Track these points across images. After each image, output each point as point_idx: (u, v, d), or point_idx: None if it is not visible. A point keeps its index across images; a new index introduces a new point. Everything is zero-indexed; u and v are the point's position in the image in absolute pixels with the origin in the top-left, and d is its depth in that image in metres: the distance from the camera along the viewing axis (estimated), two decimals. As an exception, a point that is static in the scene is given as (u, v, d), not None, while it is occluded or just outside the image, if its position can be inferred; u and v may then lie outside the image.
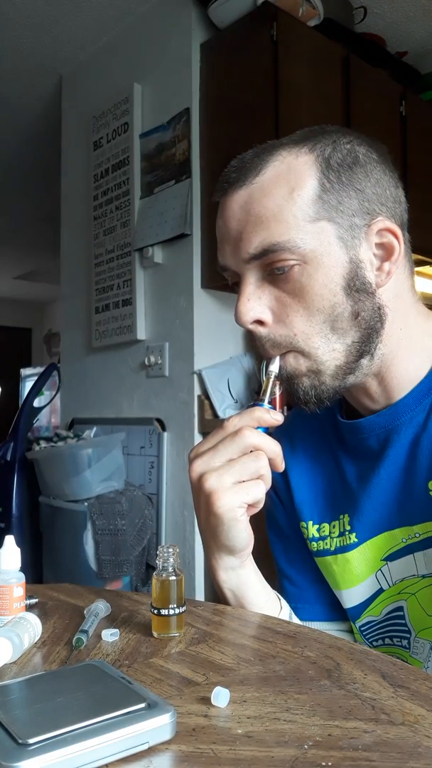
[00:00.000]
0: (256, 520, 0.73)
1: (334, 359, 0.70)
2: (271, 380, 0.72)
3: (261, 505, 0.70)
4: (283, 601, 0.81)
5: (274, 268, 0.69)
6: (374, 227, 0.70)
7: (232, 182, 0.71)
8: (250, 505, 0.69)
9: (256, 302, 0.70)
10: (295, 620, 0.81)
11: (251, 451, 0.68)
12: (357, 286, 0.69)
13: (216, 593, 0.76)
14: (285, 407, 2.32)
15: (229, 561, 0.73)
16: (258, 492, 0.68)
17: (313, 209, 0.68)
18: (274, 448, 0.69)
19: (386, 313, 0.72)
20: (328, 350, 0.70)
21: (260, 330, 0.71)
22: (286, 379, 0.72)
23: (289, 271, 0.68)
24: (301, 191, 0.68)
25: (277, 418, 0.71)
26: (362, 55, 2.64)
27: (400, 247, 0.71)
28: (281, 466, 0.71)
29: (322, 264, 0.68)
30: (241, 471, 0.67)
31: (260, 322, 0.71)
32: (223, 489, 0.67)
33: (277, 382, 0.73)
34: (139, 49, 2.73)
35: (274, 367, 0.72)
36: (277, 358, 0.72)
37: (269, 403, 0.72)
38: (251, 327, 0.71)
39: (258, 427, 0.70)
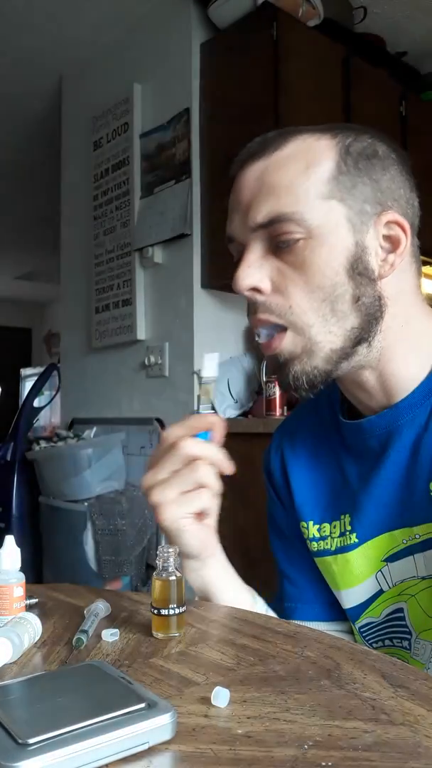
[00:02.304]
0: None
1: (330, 342, 0.70)
2: (207, 386, 0.72)
3: (212, 512, 0.71)
4: (259, 598, 0.81)
5: (279, 241, 0.69)
6: (383, 218, 0.70)
7: (251, 155, 0.72)
8: (199, 513, 0.70)
9: (257, 270, 0.70)
10: (272, 614, 0.81)
11: (193, 461, 0.68)
12: (360, 270, 0.69)
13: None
14: (285, 407, 2.32)
15: (190, 564, 0.75)
16: (201, 501, 0.69)
17: (326, 187, 0.68)
18: (212, 454, 0.69)
19: (386, 304, 0.71)
20: (323, 331, 0.69)
21: (256, 297, 0.71)
22: (280, 365, 0.71)
23: (293, 244, 0.68)
24: (317, 168, 0.69)
25: (210, 420, 0.70)
26: (362, 55, 2.64)
27: (406, 241, 0.71)
28: (227, 469, 0.71)
29: (327, 241, 0.68)
30: (181, 483, 0.68)
31: (258, 291, 0.71)
32: (167, 502, 0.68)
33: (210, 388, 0.72)
34: (139, 49, 2.73)
35: (206, 372, 0.72)
36: (211, 365, 0.72)
37: (206, 407, 0.72)
38: (248, 294, 0.71)
39: (199, 434, 0.70)
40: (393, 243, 0.71)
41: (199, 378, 0.71)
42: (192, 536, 0.71)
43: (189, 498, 0.68)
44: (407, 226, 0.71)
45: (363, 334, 0.71)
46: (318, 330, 0.69)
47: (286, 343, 0.70)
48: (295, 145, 0.70)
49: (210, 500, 0.70)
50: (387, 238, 0.71)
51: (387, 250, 0.71)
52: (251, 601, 0.79)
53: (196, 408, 0.72)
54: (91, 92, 3.01)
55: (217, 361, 0.73)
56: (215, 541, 0.75)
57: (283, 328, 0.70)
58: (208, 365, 0.72)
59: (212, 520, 0.74)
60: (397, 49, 2.92)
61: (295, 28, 2.33)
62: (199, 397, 0.72)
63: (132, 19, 2.73)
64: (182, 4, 2.52)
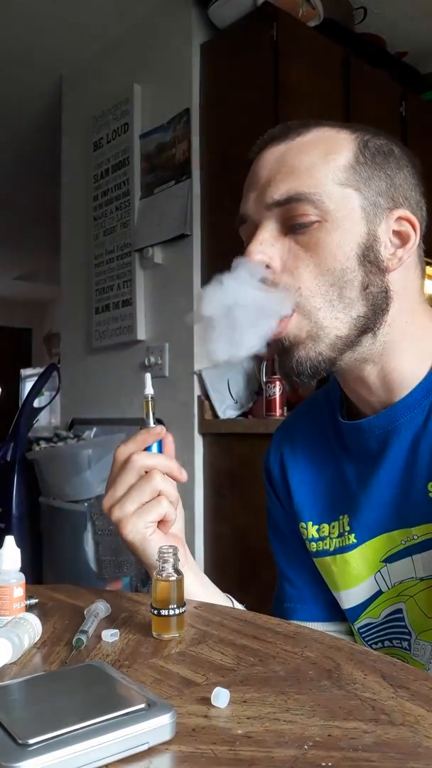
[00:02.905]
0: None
1: (336, 328, 0.70)
2: (149, 403, 0.73)
3: (172, 518, 0.72)
4: (238, 605, 0.81)
5: (294, 221, 0.70)
6: (395, 213, 0.72)
7: (272, 138, 0.74)
8: (161, 522, 0.71)
9: (269, 247, 0.71)
10: None
11: (146, 473, 0.70)
12: (370, 259, 0.70)
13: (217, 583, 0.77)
14: (285, 407, 2.32)
15: None
16: (160, 508, 0.70)
17: (344, 175, 0.70)
18: (165, 463, 0.71)
19: (392, 297, 0.72)
20: (330, 316, 0.70)
21: (266, 273, 0.71)
22: (284, 350, 0.71)
23: (308, 225, 0.69)
24: (336, 156, 0.71)
25: (157, 431, 0.72)
26: (362, 55, 2.64)
27: (415, 238, 0.72)
28: (181, 477, 0.72)
29: (341, 226, 0.69)
30: (140, 495, 0.69)
31: (268, 267, 0.71)
32: (127, 517, 0.69)
33: (153, 403, 0.73)
34: (139, 49, 2.73)
35: (148, 390, 0.73)
36: (149, 380, 0.73)
37: (156, 421, 0.73)
38: (257, 268, 0.71)
39: (149, 447, 0.72)
40: (402, 239, 0.72)
41: (144, 396, 0.73)
42: (157, 545, 0.70)
43: (147, 508, 0.69)
44: (417, 223, 0.72)
45: (369, 324, 0.71)
46: (325, 314, 0.70)
47: (292, 327, 0.70)
48: (316, 133, 0.72)
49: (169, 507, 0.70)
50: (397, 233, 0.72)
51: (396, 245, 0.72)
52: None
53: (143, 423, 0.73)
54: (91, 92, 3.01)
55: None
56: (183, 551, 0.74)
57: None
58: (148, 383, 0.73)
59: (177, 529, 0.74)
60: (397, 49, 2.92)
61: (295, 28, 2.33)
62: (146, 413, 0.73)
63: (132, 19, 2.73)
64: (182, 4, 2.52)
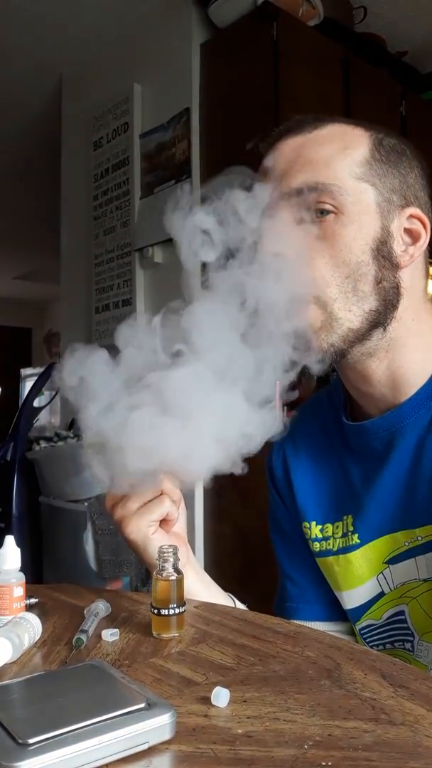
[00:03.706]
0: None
1: (349, 320, 0.70)
2: None
3: (174, 517, 0.72)
4: (239, 604, 0.80)
5: (311, 212, 0.70)
6: (407, 211, 0.73)
7: (288, 131, 0.74)
8: (163, 521, 0.71)
9: (285, 237, 0.70)
10: None
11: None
12: (384, 254, 0.71)
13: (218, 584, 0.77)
14: (285, 408, 2.32)
15: None
16: (162, 508, 0.69)
17: (360, 170, 0.71)
18: None
19: (402, 294, 0.73)
20: (344, 308, 0.70)
21: (280, 262, 0.70)
22: (299, 335, 0.70)
23: (324, 216, 0.70)
24: (353, 151, 0.71)
25: None
26: (362, 55, 2.64)
27: (426, 235, 0.73)
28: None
29: (357, 219, 0.70)
30: (142, 494, 0.69)
31: (281, 257, 0.70)
32: (129, 515, 0.69)
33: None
34: (139, 49, 2.73)
35: None
36: None
37: None
38: (272, 257, 0.70)
39: None
40: (413, 236, 0.73)
41: None
42: (158, 544, 0.69)
43: (150, 507, 0.69)
44: (428, 222, 0.73)
45: (380, 318, 0.72)
46: (339, 306, 0.70)
47: (308, 315, 0.70)
48: (332, 128, 0.73)
49: (171, 507, 0.70)
50: (408, 231, 0.73)
51: (407, 242, 0.73)
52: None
53: None
54: (91, 92, 3.01)
55: None
56: (185, 550, 0.74)
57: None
58: None
59: (179, 528, 0.74)
60: (397, 49, 2.92)
61: (295, 28, 2.33)
62: None
63: (132, 19, 2.73)
64: (182, 4, 2.52)
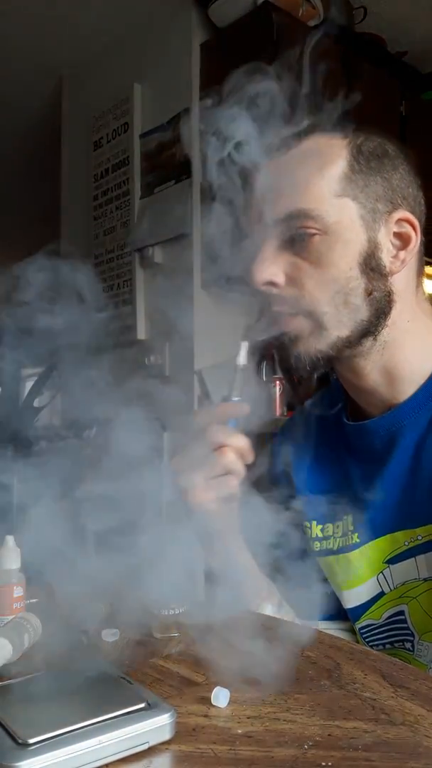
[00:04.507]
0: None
1: (338, 330, 0.71)
2: (238, 372, 0.73)
3: (236, 497, 0.72)
4: (273, 586, 0.81)
5: (295, 236, 0.71)
6: (394, 216, 0.72)
7: (267, 152, 0.73)
8: (225, 498, 0.71)
9: (272, 265, 0.72)
10: (287, 607, 0.81)
11: (219, 448, 0.70)
12: (372, 266, 0.71)
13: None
14: (285, 407, 2.32)
15: (213, 545, 0.76)
16: (227, 487, 0.70)
17: (340, 186, 0.70)
18: (238, 442, 0.71)
19: (395, 300, 0.73)
20: (335, 320, 0.71)
21: (272, 290, 0.72)
22: (285, 344, 0.73)
23: (309, 239, 0.70)
24: (330, 168, 0.71)
25: (241, 409, 0.72)
26: (362, 55, 2.64)
27: (417, 238, 0.73)
28: (250, 457, 0.72)
29: (342, 237, 0.70)
30: (209, 468, 0.70)
31: (273, 284, 0.72)
32: (193, 486, 0.70)
33: (243, 376, 0.73)
34: (139, 49, 2.73)
35: (242, 359, 0.73)
36: (243, 349, 0.73)
37: (238, 395, 0.73)
38: (263, 288, 0.72)
39: (228, 422, 0.72)
40: (403, 240, 0.73)
41: (234, 366, 0.73)
42: (217, 519, 0.72)
43: (216, 483, 0.70)
44: (417, 223, 0.73)
45: (370, 327, 0.72)
46: (330, 318, 0.71)
47: (295, 324, 0.72)
48: (309, 144, 0.72)
49: (236, 486, 0.71)
50: (398, 235, 0.73)
51: (398, 247, 0.73)
52: (268, 588, 0.79)
53: (227, 395, 0.73)
54: (91, 92, 3.01)
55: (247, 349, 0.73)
56: (238, 524, 0.75)
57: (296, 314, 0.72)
58: (243, 353, 0.73)
59: (235, 504, 0.74)
60: (397, 49, 2.91)
61: (295, 28, 2.32)
62: (231, 383, 0.73)
63: (132, 19, 2.73)
64: (182, 3, 2.52)
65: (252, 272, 0.72)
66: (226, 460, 0.70)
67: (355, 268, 0.70)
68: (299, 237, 0.70)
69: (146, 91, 2.70)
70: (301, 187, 0.70)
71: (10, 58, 3.04)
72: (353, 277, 0.70)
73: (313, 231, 0.70)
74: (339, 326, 0.71)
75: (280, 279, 0.72)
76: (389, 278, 0.72)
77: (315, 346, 0.71)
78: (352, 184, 0.71)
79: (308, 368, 0.72)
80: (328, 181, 0.70)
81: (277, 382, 2.21)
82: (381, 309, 0.72)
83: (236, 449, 0.71)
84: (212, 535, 0.74)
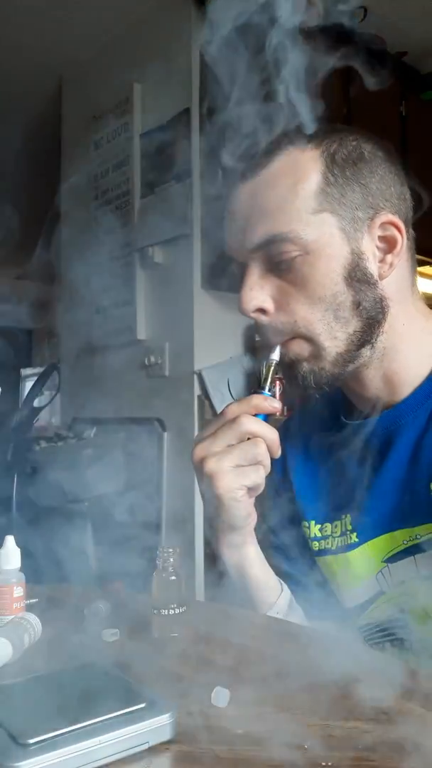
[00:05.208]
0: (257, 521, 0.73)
1: (336, 346, 0.71)
2: (272, 368, 0.73)
3: (261, 489, 0.72)
4: (285, 585, 0.81)
5: (277, 261, 0.70)
6: (377, 220, 0.71)
7: (241, 175, 0.73)
8: (250, 489, 0.71)
9: (259, 291, 0.72)
10: (296, 607, 0.81)
11: (250, 438, 0.70)
12: (358, 277, 0.71)
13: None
14: (285, 407, 2.32)
15: (232, 539, 0.75)
16: (256, 477, 0.70)
17: (316, 201, 0.69)
18: (271, 435, 0.71)
19: (388, 305, 0.73)
20: (329, 337, 0.71)
21: (262, 318, 0.73)
22: (288, 365, 0.73)
23: (291, 261, 0.70)
24: (304, 184, 0.70)
25: (274, 405, 0.72)
26: (362, 55, 2.64)
27: (402, 240, 0.72)
28: (278, 452, 0.72)
29: (323, 254, 0.70)
30: (240, 456, 0.69)
31: (262, 311, 0.72)
32: (223, 472, 0.69)
33: (278, 370, 0.74)
34: (139, 49, 2.73)
35: (275, 356, 0.73)
36: (278, 347, 0.73)
37: (269, 391, 0.73)
38: (253, 315, 0.73)
39: (257, 415, 0.71)
40: (389, 243, 0.72)
41: (267, 360, 0.74)
42: (243, 508, 0.71)
43: (246, 472, 0.70)
44: (401, 224, 0.72)
45: (365, 337, 0.72)
46: (325, 337, 0.71)
47: (294, 347, 0.72)
48: (280, 161, 0.71)
49: (262, 478, 0.71)
50: (383, 239, 0.72)
51: (384, 250, 0.72)
52: (279, 588, 0.80)
53: (259, 388, 0.73)
54: (91, 92, 3.01)
55: None
56: (255, 520, 0.75)
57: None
58: (278, 350, 0.73)
59: (253, 499, 0.75)
60: (397, 49, 2.91)
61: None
62: (264, 378, 0.73)
63: (132, 19, 2.73)
64: (182, 4, 2.52)
65: (240, 301, 0.72)
66: (257, 449, 0.70)
67: (341, 283, 0.70)
68: (282, 261, 0.70)
69: (146, 91, 2.70)
70: (276, 209, 0.69)
71: (11, 57, 3.04)
72: (340, 292, 0.70)
73: (294, 253, 0.69)
74: (335, 342, 0.71)
75: (269, 305, 0.72)
76: (379, 284, 0.72)
77: (318, 365, 0.72)
78: (328, 198, 0.70)
79: (314, 386, 0.73)
80: (303, 199, 0.69)
81: (278, 382, 2.21)
82: (373, 318, 0.72)
83: (266, 441, 0.70)
84: (233, 527, 0.73)
